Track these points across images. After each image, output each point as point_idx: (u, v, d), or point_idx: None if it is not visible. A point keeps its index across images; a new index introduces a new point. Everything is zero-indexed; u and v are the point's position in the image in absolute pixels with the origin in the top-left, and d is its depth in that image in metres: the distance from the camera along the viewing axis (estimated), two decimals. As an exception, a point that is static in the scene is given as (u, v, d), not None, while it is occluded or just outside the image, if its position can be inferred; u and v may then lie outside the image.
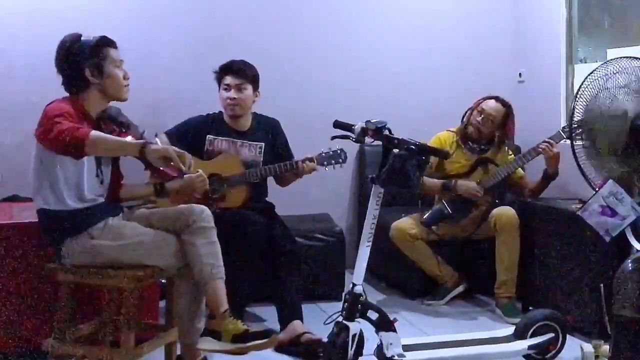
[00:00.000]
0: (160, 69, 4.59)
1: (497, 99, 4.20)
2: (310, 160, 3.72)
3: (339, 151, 3.73)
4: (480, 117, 4.17)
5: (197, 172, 3.18)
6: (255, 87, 3.89)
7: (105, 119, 2.94)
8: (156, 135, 2.82)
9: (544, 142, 3.96)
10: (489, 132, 4.20)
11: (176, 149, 2.71)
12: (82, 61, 2.85)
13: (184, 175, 3.08)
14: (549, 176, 4.08)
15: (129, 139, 2.91)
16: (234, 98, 3.81)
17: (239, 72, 3.83)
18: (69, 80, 2.90)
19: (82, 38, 2.88)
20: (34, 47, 4.29)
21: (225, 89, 3.84)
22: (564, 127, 3.96)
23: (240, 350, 2.85)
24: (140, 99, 4.63)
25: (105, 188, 2.98)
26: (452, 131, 4.30)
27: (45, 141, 2.74)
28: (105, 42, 2.91)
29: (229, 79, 3.83)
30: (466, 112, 4.25)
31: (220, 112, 3.96)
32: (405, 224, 4.19)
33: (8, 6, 4.36)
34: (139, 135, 2.95)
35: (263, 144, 3.91)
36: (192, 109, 4.08)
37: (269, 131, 3.96)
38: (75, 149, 2.65)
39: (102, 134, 2.74)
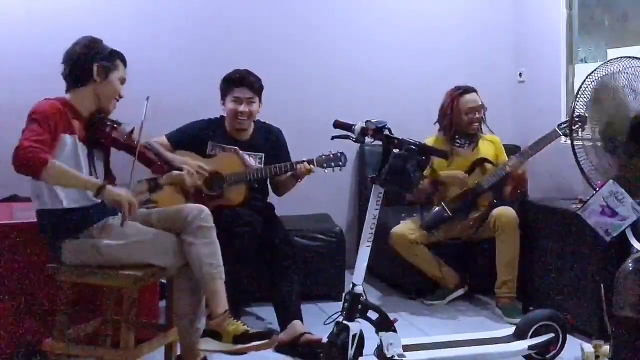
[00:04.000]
0: (161, 72, 4.58)
1: (466, 91, 4.23)
2: (309, 162, 3.71)
3: (338, 154, 3.72)
4: (471, 115, 4.19)
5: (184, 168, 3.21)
6: (260, 99, 3.88)
7: (97, 117, 2.97)
8: (147, 99, 2.90)
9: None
10: (480, 121, 4.24)
11: (130, 197, 2.75)
12: (96, 57, 2.92)
13: (174, 171, 3.16)
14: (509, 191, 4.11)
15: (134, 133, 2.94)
16: (244, 112, 3.80)
17: (250, 85, 3.81)
18: (73, 71, 2.93)
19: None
20: (35, 48, 4.30)
21: (235, 101, 3.81)
22: (559, 125, 3.94)
23: (240, 350, 2.86)
24: (140, 100, 4.60)
25: None
26: (438, 137, 4.30)
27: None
28: (120, 56, 3.01)
29: (239, 92, 3.80)
30: (444, 119, 4.24)
31: (222, 117, 3.94)
32: (405, 229, 4.18)
33: (10, 6, 4.37)
34: (125, 134, 2.98)
35: (263, 154, 3.89)
36: (192, 111, 4.08)
37: (269, 140, 3.94)
38: (31, 169, 2.66)
39: (62, 166, 2.72)
